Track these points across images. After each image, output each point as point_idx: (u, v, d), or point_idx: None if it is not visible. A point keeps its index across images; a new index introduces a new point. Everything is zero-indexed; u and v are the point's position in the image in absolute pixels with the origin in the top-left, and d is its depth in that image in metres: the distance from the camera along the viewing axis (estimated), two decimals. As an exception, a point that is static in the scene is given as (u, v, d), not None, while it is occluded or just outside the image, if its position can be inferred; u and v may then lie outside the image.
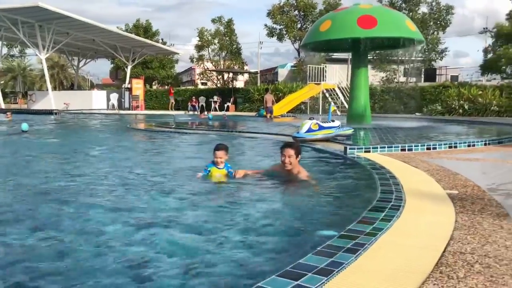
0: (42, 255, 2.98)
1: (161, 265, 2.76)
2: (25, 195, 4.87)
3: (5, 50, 37.49)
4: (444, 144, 8.10)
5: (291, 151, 5.18)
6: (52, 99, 30.74)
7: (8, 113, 19.46)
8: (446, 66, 46.11)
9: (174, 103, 33.47)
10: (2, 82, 55.53)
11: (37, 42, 29.49)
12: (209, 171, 5.47)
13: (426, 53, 37.39)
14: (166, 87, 46.37)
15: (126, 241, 3.23)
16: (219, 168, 5.47)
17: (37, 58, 39.99)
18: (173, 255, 2.93)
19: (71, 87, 45.57)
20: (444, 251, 2.50)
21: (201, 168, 5.66)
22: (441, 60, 39.19)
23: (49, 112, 27.12)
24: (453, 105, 22.63)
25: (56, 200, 4.59)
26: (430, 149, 7.78)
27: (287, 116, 24.13)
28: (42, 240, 3.27)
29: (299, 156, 5.28)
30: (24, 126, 12.74)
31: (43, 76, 33.58)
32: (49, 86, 32.28)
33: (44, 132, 14.55)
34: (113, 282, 2.54)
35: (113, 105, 34.28)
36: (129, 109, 33.21)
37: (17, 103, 48.35)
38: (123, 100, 34.25)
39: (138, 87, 34.29)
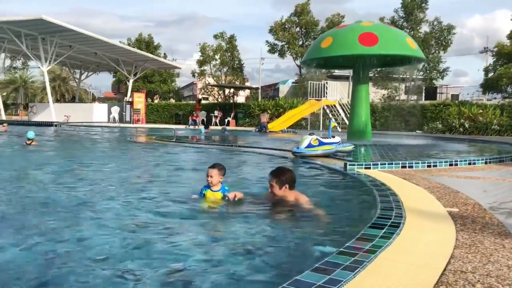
0: (38, 264, 2.92)
1: (154, 277, 2.70)
2: (20, 206, 4.82)
3: (8, 62, 37.60)
4: (445, 162, 8.05)
5: (272, 180, 4.72)
6: (53, 111, 30.80)
7: (4, 124, 19.42)
8: (447, 85, 46.33)
9: (202, 118, 31.95)
10: (4, 93, 55.70)
11: (39, 55, 29.65)
12: (204, 194, 4.97)
13: (427, 71, 37.57)
14: (169, 101, 46.55)
15: (118, 255, 3.18)
16: (213, 191, 4.94)
17: (39, 71, 40.20)
18: (164, 269, 2.87)
19: (73, 100, 45.79)
20: (444, 270, 2.44)
21: (196, 187, 5.34)
22: (442, 79, 39.34)
23: (50, 124, 27.13)
24: (454, 123, 22.64)
25: (49, 210, 4.54)
26: (430, 167, 7.73)
27: (287, 131, 24.17)
28: (36, 249, 3.22)
29: (285, 185, 4.68)
30: (30, 134, 12.77)
31: (45, 88, 33.70)
32: (50, 98, 32.35)
33: (44, 144, 14.51)
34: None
35: (114, 118, 34.34)
36: (130, 122, 33.25)
37: (18, 114, 48.49)
38: (124, 113, 34.31)
39: (139, 100, 34.37)
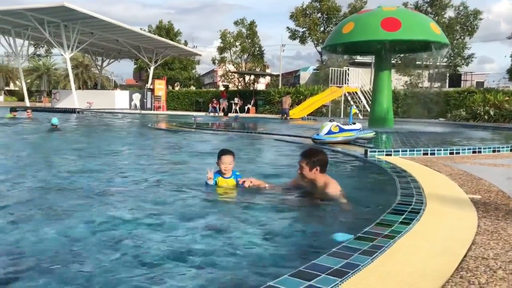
0: (53, 249, 2.97)
1: (175, 264, 2.71)
2: (43, 190, 4.91)
3: (31, 49, 38.19)
4: (468, 149, 7.89)
5: (303, 161, 4.47)
6: (75, 98, 31.22)
7: (28, 111, 19.47)
8: (471, 72, 45.31)
9: (226, 106, 31.49)
10: (28, 81, 56.66)
11: (62, 42, 30.02)
12: (216, 181, 4.75)
13: (452, 58, 36.79)
14: (190, 88, 46.71)
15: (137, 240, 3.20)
16: (225, 178, 4.76)
17: (62, 58, 40.73)
18: (186, 253, 2.88)
19: (95, 87, 46.28)
20: (465, 256, 2.39)
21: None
22: (467, 65, 38.51)
23: (72, 111, 27.54)
24: (478, 111, 22.15)
25: (71, 194, 4.61)
26: (453, 154, 7.59)
27: (308, 119, 24.03)
28: (58, 233, 3.27)
29: (316, 167, 4.42)
30: (54, 120, 13.04)
31: (68, 76, 34.16)
32: (73, 85, 32.79)
33: (67, 130, 14.73)
34: (125, 279, 2.50)
35: (135, 105, 34.64)
36: (151, 109, 33.50)
37: (41, 101, 49.26)
38: (145, 100, 34.58)
39: (160, 87, 34.58)
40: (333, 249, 2.46)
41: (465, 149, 7.86)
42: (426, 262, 2.31)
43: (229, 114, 25.15)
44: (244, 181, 4.66)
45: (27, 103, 35.48)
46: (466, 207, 3.63)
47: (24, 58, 35.92)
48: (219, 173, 4.77)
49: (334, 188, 4.40)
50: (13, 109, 18.69)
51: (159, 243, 3.07)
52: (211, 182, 4.72)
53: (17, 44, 33.69)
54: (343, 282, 2.02)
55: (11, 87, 66.61)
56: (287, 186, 4.85)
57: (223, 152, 4.78)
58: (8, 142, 10.53)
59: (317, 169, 4.42)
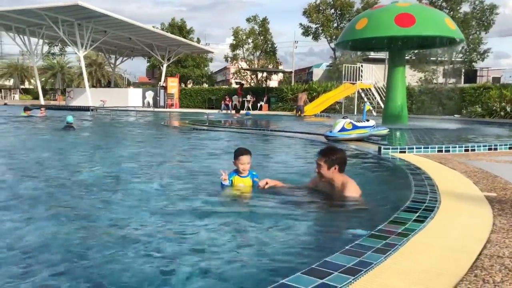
0: (66, 243, 3.00)
1: (186, 260, 2.73)
2: (54, 186, 4.97)
3: (46, 48, 38.62)
4: (484, 146, 7.80)
5: (321, 159, 4.32)
6: (89, 96, 31.50)
7: (41, 109, 19.51)
8: (487, 68, 44.73)
9: (239, 103, 31.15)
10: (42, 79, 57.31)
11: (76, 40, 30.29)
12: (231, 181, 4.63)
13: (467, 53, 36.28)
14: (202, 85, 46.83)
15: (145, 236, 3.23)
16: (242, 177, 4.64)
17: (76, 56, 41.16)
18: (198, 250, 2.90)
19: (108, 85, 46.63)
20: (479, 254, 2.36)
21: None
22: (482, 61, 37.91)
23: (86, 109, 27.79)
24: (494, 107, 21.85)
25: (82, 191, 4.66)
26: (468, 151, 7.50)
27: (321, 116, 23.95)
28: (69, 227, 3.31)
29: (335, 166, 4.28)
30: (69, 118, 13.16)
31: (82, 74, 34.49)
32: (87, 83, 33.08)
33: (81, 127, 14.89)
34: (134, 274, 2.52)
35: (148, 103, 34.83)
36: (164, 107, 33.65)
37: (56, 99, 49.83)
38: (158, 98, 34.74)
39: (173, 85, 34.70)
40: (346, 247, 2.45)
41: (480, 146, 7.77)
42: (440, 260, 2.28)
43: (241, 112, 25.14)
44: (259, 184, 4.57)
45: (42, 101, 35.90)
46: (481, 204, 3.58)
47: (38, 57, 36.33)
48: (236, 172, 4.66)
49: (353, 190, 4.24)
50: (26, 108, 18.89)
51: (171, 241, 3.09)
52: (226, 182, 4.61)
53: (32, 43, 34.10)
54: (356, 280, 2.01)
55: (26, 85, 67.45)
56: (304, 186, 4.74)
57: (241, 152, 4.62)
58: (22, 140, 10.67)
59: (335, 168, 4.28)
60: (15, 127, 14.29)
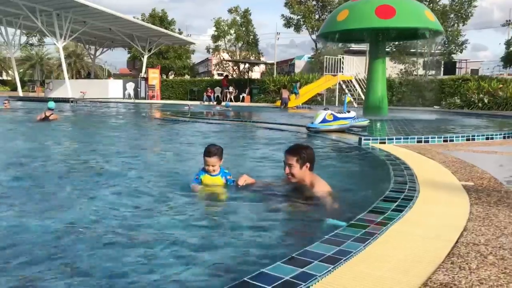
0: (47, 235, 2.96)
1: (167, 252, 2.72)
2: (38, 178, 4.89)
3: (23, 39, 37.86)
4: (462, 137, 7.92)
5: (291, 158, 3.97)
6: (68, 88, 31.04)
7: (5, 101, 17.89)
8: (466, 60, 45.30)
9: (217, 94, 31.24)
10: (21, 70, 56.21)
11: (54, 31, 29.75)
12: (200, 180, 4.34)
13: (446, 45, 36.70)
14: (184, 77, 46.47)
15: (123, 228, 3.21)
16: (212, 176, 4.33)
17: (55, 47, 40.45)
18: (176, 241, 2.89)
19: (88, 76, 45.94)
20: (456, 242, 2.40)
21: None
22: (461, 52, 38.38)
23: (66, 100, 27.38)
24: (473, 99, 22.19)
25: (62, 183, 4.60)
26: (447, 141, 7.62)
27: (302, 107, 24.01)
28: (51, 221, 3.26)
29: (306, 164, 3.98)
30: (51, 104, 12.72)
31: (61, 65, 33.91)
32: (66, 74, 32.57)
33: (61, 119, 14.65)
34: (119, 266, 2.50)
35: (129, 94, 34.49)
36: (145, 98, 33.35)
37: (35, 91, 48.95)
38: (139, 89, 34.43)
39: (154, 76, 34.41)
40: (326, 236, 2.47)
41: (458, 137, 7.89)
42: (419, 248, 2.32)
43: (222, 103, 25.07)
44: (237, 182, 4.24)
45: (20, 93, 35.25)
46: (459, 193, 3.64)
47: (16, 48, 35.57)
48: (205, 170, 4.35)
49: (322, 187, 4.01)
50: None
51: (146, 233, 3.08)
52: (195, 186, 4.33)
53: (9, 33, 33.36)
54: (335, 269, 2.03)
55: (4, 77, 66.09)
56: (280, 183, 4.42)
57: (207, 153, 4.29)
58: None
59: (307, 166, 3.98)
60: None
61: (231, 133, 10.76)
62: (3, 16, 30.87)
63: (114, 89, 34.88)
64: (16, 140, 8.90)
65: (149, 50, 39.30)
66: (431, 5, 34.19)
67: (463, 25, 36.81)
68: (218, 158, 4.29)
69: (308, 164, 3.98)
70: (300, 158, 3.94)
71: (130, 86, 34.98)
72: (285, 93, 24.69)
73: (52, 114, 12.30)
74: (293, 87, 26.40)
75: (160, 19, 47.12)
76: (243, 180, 4.23)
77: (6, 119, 14.08)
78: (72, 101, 26.92)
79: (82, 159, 6.32)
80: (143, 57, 39.34)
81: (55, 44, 31.94)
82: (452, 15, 36.03)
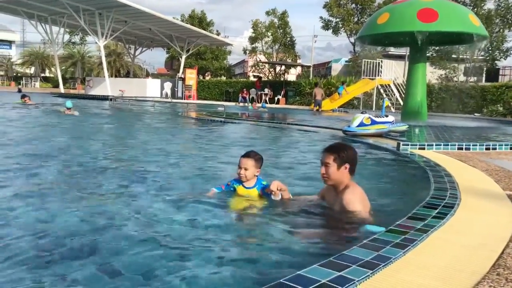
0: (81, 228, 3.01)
1: (201, 250, 2.71)
2: (71, 173, 5.01)
3: (67, 37, 39.03)
4: (505, 145, 7.65)
5: (328, 157, 3.50)
6: (108, 86, 31.77)
7: (26, 98, 17.32)
8: (510, 66, 43.80)
9: (252, 96, 31.30)
10: (63, 67, 57.95)
11: (96, 30, 30.53)
12: (234, 189, 3.94)
13: (490, 51, 35.58)
14: (220, 78, 46.85)
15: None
16: (247, 188, 3.88)
17: (96, 46, 41.50)
18: (213, 242, 2.88)
19: (127, 75, 46.92)
20: (502, 253, 2.30)
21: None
22: (505, 59, 37.14)
23: (105, 98, 28.03)
24: (516, 107, 21.44)
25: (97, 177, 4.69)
26: (489, 149, 7.37)
27: (338, 111, 23.77)
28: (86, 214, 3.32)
29: (345, 164, 3.47)
30: (68, 103, 13.18)
31: (101, 63, 34.78)
32: (106, 73, 33.37)
33: (100, 115, 15.00)
34: (145, 261, 2.51)
35: (166, 93, 34.98)
36: (181, 98, 33.76)
37: (76, 88, 50.38)
38: (176, 89, 34.88)
39: (191, 77, 34.79)
40: (364, 241, 2.41)
41: (502, 145, 7.62)
42: (461, 257, 2.23)
43: (257, 104, 25.09)
44: (272, 191, 3.69)
45: (62, 89, 36.34)
46: (503, 203, 3.50)
47: (59, 46, 36.72)
48: (239, 181, 3.92)
49: (357, 194, 3.47)
50: (23, 95, 17.85)
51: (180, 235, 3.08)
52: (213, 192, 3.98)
53: (53, 32, 34.47)
54: (374, 274, 1.97)
55: (47, 73, 68.28)
56: (313, 198, 3.91)
57: (244, 154, 3.93)
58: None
59: (346, 167, 3.48)
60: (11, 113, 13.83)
61: (264, 134, 10.74)
62: (48, 14, 31.92)
63: (152, 88, 35.45)
64: (53, 134, 9.14)
65: (187, 51, 39.80)
66: (476, 9, 33.25)
67: (508, 31, 35.61)
68: (254, 163, 3.84)
69: (347, 165, 3.47)
70: (338, 157, 3.46)
71: (168, 85, 35.49)
72: (318, 94, 23.95)
73: (70, 111, 13.07)
74: (338, 88, 25.96)
75: (199, 20, 47.67)
76: (276, 186, 3.70)
77: (35, 115, 13.97)
78: (111, 99, 27.52)
79: (117, 156, 6.43)
80: (181, 57, 39.87)
81: (96, 42, 32.78)
82: (497, 20, 34.91)
